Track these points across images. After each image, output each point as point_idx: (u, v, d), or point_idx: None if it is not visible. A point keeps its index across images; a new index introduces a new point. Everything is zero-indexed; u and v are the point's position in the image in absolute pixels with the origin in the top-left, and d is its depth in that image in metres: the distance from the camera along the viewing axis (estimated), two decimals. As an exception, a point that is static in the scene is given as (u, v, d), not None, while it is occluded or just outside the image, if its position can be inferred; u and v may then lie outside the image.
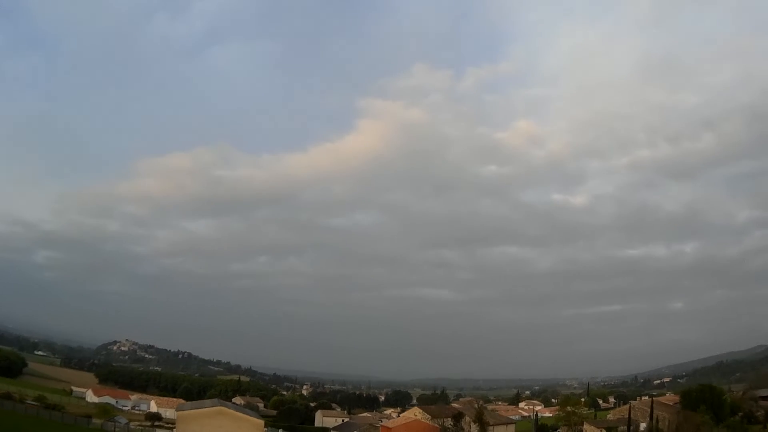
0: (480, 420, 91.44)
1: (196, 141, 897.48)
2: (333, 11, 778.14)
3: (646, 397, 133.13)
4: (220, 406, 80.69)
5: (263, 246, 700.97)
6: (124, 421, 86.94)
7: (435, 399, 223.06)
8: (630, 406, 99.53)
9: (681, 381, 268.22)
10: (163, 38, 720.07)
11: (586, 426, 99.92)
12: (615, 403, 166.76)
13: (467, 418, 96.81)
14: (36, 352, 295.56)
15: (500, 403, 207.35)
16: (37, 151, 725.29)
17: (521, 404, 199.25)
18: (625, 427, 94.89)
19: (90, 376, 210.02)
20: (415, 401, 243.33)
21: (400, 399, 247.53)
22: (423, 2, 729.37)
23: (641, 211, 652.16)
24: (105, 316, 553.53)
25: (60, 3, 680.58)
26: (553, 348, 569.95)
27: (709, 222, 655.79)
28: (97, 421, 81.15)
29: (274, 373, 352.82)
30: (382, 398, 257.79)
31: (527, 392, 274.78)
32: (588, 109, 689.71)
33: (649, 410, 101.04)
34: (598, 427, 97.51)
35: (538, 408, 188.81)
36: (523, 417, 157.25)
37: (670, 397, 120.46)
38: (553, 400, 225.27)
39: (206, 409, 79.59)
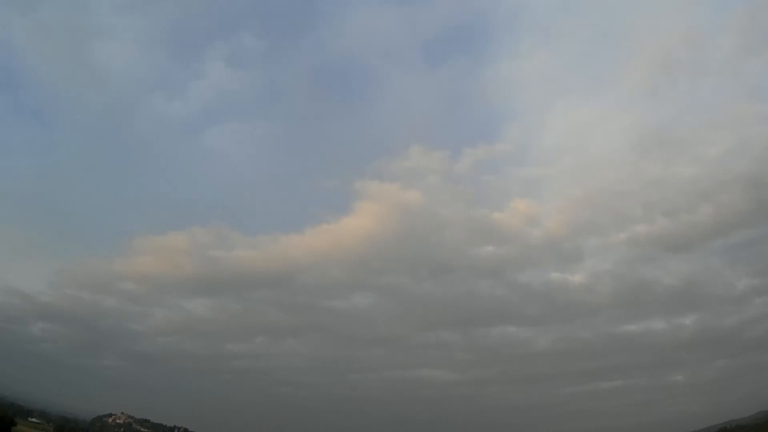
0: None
1: (192, 221, 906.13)
2: (330, 94, 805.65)
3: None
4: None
5: (261, 327, 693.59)
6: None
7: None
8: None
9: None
10: (160, 117, 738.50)
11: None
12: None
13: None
14: (30, 419, 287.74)
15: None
16: (35, 224, 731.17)
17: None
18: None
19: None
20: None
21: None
22: (419, 85, 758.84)
23: (640, 286, 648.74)
24: (101, 389, 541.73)
25: (59, 75, 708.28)
26: (553, 427, 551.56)
27: (708, 293, 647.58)
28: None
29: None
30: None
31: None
32: (584, 186, 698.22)
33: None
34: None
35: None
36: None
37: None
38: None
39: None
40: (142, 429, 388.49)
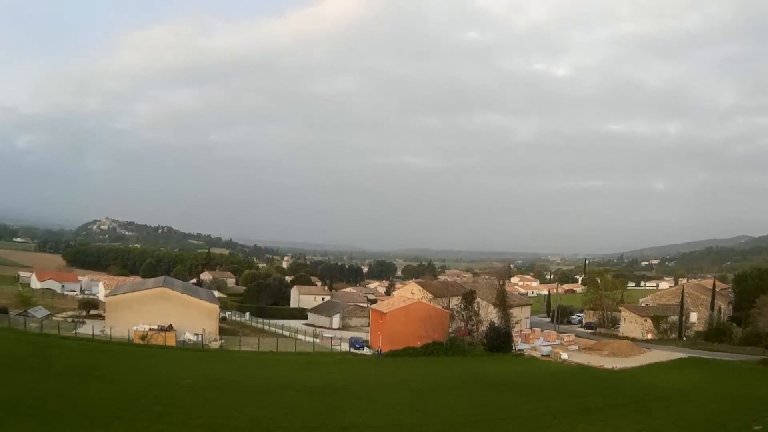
0: (503, 302, 69.25)
1: (175, 11, 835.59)
2: None
3: (684, 280, 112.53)
4: (164, 287, 57.64)
5: (243, 114, 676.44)
6: (43, 313, 63.93)
7: (421, 270, 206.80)
8: (683, 291, 77.79)
9: (669, 264, 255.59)
10: None
11: (624, 312, 79.20)
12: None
13: (479, 300, 73.52)
14: (15, 239, 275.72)
15: (487, 276, 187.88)
16: (14, 35, 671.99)
17: (514, 279, 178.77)
18: (675, 317, 73.98)
19: (58, 259, 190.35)
20: (400, 273, 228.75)
21: (384, 270, 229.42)
22: None
23: (625, 86, 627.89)
24: (87, 196, 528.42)
25: None
26: (533, 222, 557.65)
27: (692, 103, 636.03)
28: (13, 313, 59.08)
29: (255, 245, 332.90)
30: (366, 270, 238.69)
31: (512, 266, 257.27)
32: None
33: (700, 295, 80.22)
34: (641, 315, 76.44)
35: (533, 285, 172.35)
36: (521, 294, 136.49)
37: (709, 282, 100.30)
38: (548, 276, 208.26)
39: (143, 292, 56.62)
40: (126, 232, 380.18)
